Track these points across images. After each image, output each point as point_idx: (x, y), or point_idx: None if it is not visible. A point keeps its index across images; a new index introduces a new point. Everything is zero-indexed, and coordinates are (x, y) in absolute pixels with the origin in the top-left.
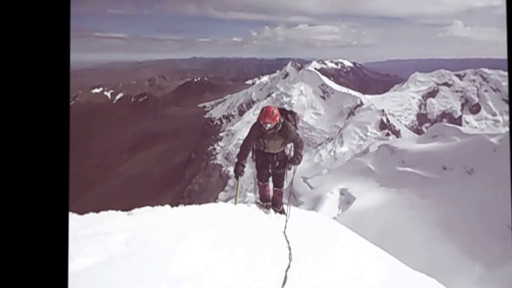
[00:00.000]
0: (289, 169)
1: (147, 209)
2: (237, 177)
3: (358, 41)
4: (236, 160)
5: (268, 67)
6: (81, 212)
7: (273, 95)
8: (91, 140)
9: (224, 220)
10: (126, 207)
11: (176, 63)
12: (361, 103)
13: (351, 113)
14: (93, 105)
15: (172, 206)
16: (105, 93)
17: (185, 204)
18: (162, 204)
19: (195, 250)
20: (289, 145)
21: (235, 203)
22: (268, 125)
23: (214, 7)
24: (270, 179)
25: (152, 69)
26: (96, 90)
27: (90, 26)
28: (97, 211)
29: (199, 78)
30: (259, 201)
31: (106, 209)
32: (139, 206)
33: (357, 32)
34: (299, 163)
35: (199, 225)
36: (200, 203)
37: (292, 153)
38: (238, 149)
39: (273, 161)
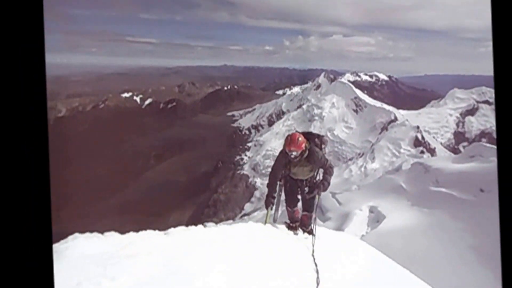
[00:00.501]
0: (319, 194)
1: (182, 228)
2: (266, 208)
3: (395, 54)
4: (266, 187)
5: (300, 77)
6: (106, 215)
7: (304, 106)
8: (119, 144)
9: (254, 241)
10: (152, 213)
11: (206, 70)
12: (395, 119)
13: (384, 128)
14: (122, 109)
15: (196, 214)
16: (135, 97)
17: (210, 213)
18: (187, 212)
19: (226, 271)
20: (319, 171)
21: (265, 223)
22: (294, 153)
23: (247, 14)
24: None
25: (182, 75)
26: (126, 95)
27: (121, 30)
28: (122, 216)
29: (229, 86)
30: (288, 220)
31: (129, 215)
32: (164, 213)
33: (394, 44)
34: (325, 189)
35: (230, 246)
36: (225, 213)
37: (321, 178)
38: (266, 161)
39: (302, 187)
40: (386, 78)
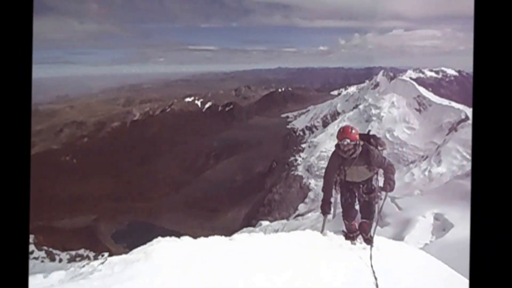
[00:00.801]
0: (380, 198)
1: (245, 236)
2: (323, 214)
3: (466, 46)
4: (322, 192)
5: (356, 76)
6: (171, 210)
7: (361, 106)
8: (183, 145)
9: (311, 250)
10: (211, 209)
11: (261, 73)
12: (466, 118)
13: (453, 128)
14: (186, 113)
15: (252, 212)
16: (196, 101)
17: (265, 212)
18: (243, 209)
19: (284, 279)
20: (377, 173)
21: (322, 231)
22: (347, 141)
23: (300, 16)
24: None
25: (239, 79)
26: (188, 99)
27: (185, 40)
28: (186, 211)
29: (283, 88)
30: (345, 230)
31: (192, 210)
32: (222, 209)
33: (465, 35)
34: (391, 189)
35: (288, 255)
36: (279, 212)
37: (381, 182)
38: (320, 162)
39: (359, 192)
40: (455, 74)
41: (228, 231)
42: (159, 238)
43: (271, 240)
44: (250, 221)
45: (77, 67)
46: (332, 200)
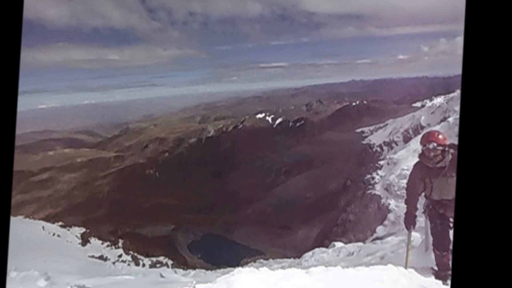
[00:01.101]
0: None
1: (322, 269)
2: (407, 228)
3: None
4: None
5: (443, 86)
6: (241, 225)
7: (450, 119)
8: (254, 161)
9: None
10: (282, 226)
11: (333, 87)
12: None
13: None
14: (257, 129)
15: (324, 232)
16: (267, 118)
17: (338, 233)
18: (315, 228)
19: None
20: None
21: (406, 266)
22: (433, 144)
23: (376, 25)
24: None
25: (310, 94)
26: (260, 116)
27: (256, 58)
28: (257, 226)
29: (357, 102)
30: (436, 267)
31: (263, 226)
32: (293, 227)
33: None
34: None
35: None
36: (354, 234)
37: None
38: (401, 181)
39: (451, 213)
40: None
41: (299, 250)
42: (239, 268)
43: (349, 276)
44: (322, 241)
45: (160, 89)
46: (417, 220)
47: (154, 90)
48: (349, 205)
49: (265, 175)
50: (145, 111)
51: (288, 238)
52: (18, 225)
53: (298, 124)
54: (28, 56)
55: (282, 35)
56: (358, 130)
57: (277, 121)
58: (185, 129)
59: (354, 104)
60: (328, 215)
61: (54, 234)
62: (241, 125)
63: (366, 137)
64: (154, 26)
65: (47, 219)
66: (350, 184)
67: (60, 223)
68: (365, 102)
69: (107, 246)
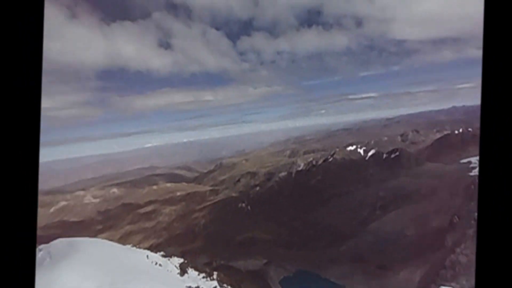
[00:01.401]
0: None
1: None
2: None
3: None
4: None
5: None
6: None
7: None
8: (346, 194)
9: None
10: (380, 265)
11: (431, 115)
12: None
13: None
14: (348, 161)
15: (430, 274)
16: (358, 150)
17: (447, 277)
18: (419, 270)
19: None
20: None
21: None
22: None
23: (476, 45)
24: None
25: (404, 124)
26: (351, 148)
27: (344, 90)
28: (352, 264)
29: (460, 130)
30: None
31: (359, 264)
32: (393, 267)
33: None
34: None
35: None
36: (467, 279)
37: None
38: None
39: None
40: None
41: None
42: None
43: None
44: (428, 285)
45: (250, 125)
46: None
47: (245, 127)
48: (458, 245)
49: (358, 210)
50: (237, 146)
51: (387, 280)
52: (128, 253)
53: (392, 155)
54: (139, 103)
55: (370, 65)
56: (464, 161)
57: (370, 153)
58: (275, 163)
59: (456, 132)
60: (433, 255)
61: (156, 263)
62: (331, 158)
63: (473, 168)
64: (244, 67)
65: (150, 248)
66: (458, 221)
67: (162, 252)
68: (469, 129)
69: (203, 277)
